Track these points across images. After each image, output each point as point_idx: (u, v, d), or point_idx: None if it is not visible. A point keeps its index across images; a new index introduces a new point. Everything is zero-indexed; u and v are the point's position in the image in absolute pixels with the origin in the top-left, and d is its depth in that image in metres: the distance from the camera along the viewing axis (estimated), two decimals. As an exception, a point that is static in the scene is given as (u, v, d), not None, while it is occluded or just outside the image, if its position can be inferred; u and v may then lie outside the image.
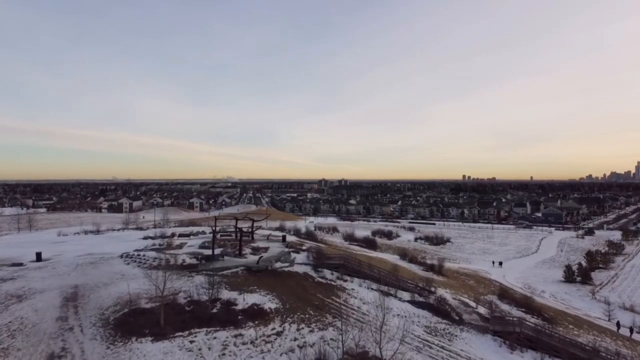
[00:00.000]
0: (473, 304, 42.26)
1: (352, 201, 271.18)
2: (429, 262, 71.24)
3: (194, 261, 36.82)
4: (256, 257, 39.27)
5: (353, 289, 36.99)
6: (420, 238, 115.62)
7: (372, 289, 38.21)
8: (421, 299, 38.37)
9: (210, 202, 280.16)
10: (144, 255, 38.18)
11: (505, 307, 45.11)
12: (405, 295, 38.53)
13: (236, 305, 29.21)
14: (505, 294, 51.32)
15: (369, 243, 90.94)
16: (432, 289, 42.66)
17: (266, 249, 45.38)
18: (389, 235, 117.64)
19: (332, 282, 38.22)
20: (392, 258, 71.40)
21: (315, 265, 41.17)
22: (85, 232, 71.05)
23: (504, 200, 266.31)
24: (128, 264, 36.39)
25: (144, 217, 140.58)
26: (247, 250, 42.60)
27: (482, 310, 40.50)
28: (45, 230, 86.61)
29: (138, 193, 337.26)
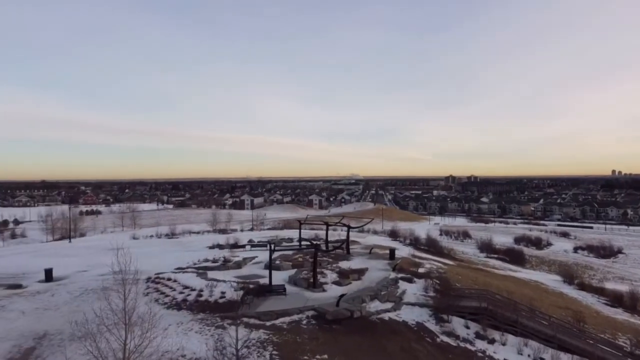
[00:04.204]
0: None
1: (484, 199, 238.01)
2: (608, 287, 47.16)
3: (240, 294, 23.43)
4: (339, 290, 24.32)
5: (511, 367, 19.50)
6: (581, 247, 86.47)
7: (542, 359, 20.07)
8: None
9: (331, 199, 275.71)
10: (174, 280, 26.04)
11: None
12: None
13: (278, 404, 15.05)
14: None
15: (513, 256, 68.08)
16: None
17: (362, 273, 29.73)
18: (537, 243, 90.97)
19: (468, 346, 21.20)
20: (551, 281, 49.12)
21: (438, 307, 24.36)
22: (158, 236, 65.00)
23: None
24: (147, 294, 24.28)
25: (265, 214, 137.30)
26: (329, 277, 27.63)
27: None
28: (144, 228, 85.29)
29: (262, 190, 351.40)
